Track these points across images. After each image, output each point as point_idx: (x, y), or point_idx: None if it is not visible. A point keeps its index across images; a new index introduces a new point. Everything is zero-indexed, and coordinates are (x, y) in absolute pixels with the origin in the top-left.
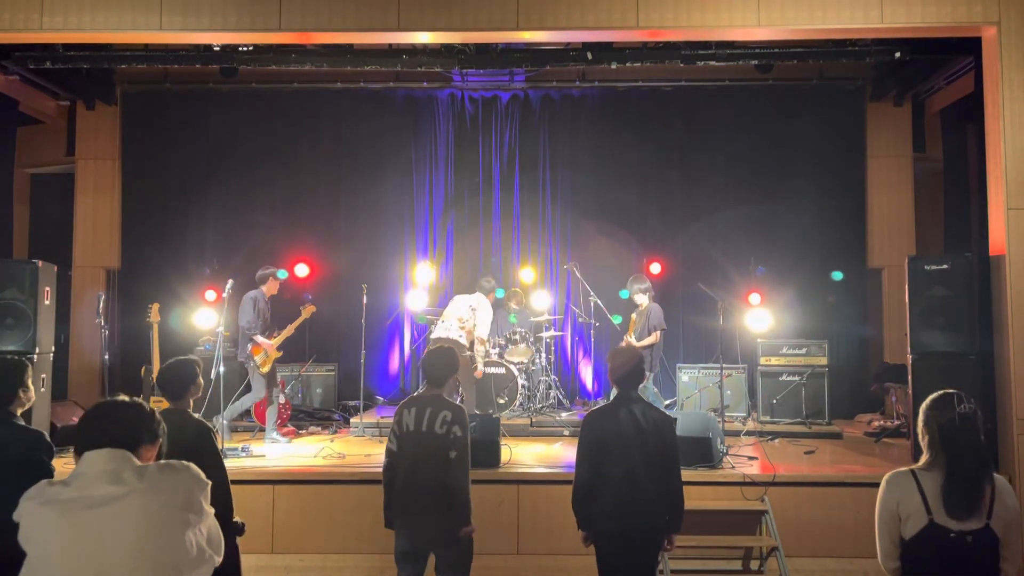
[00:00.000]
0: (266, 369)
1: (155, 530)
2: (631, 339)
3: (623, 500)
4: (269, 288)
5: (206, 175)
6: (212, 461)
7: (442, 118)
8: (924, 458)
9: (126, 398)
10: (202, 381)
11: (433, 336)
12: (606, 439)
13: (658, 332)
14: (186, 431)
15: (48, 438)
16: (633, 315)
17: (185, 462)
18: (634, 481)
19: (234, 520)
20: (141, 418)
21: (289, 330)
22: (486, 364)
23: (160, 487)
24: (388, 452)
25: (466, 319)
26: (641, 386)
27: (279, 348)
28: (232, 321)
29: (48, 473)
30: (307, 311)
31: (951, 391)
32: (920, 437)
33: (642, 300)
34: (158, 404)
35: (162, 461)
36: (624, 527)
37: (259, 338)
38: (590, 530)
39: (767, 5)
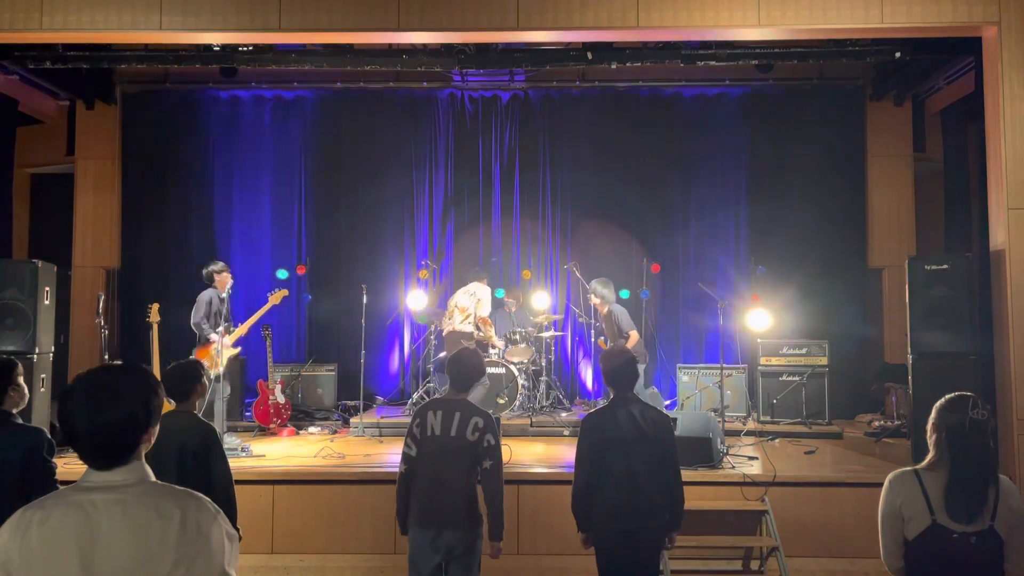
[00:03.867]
0: (215, 371)
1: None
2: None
3: (624, 501)
4: (220, 283)
5: (206, 175)
6: (219, 462)
7: (442, 118)
8: (929, 457)
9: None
10: (207, 383)
11: (445, 332)
12: (605, 441)
13: (633, 332)
14: (193, 433)
15: (49, 435)
16: (601, 324)
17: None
18: (634, 481)
19: (236, 526)
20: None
21: (252, 320)
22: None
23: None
24: (405, 458)
25: (468, 307)
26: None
27: (237, 343)
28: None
29: (50, 471)
30: (275, 297)
31: (968, 394)
32: (928, 435)
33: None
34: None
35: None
36: (626, 528)
37: (213, 336)
38: (590, 531)
39: (767, 5)
